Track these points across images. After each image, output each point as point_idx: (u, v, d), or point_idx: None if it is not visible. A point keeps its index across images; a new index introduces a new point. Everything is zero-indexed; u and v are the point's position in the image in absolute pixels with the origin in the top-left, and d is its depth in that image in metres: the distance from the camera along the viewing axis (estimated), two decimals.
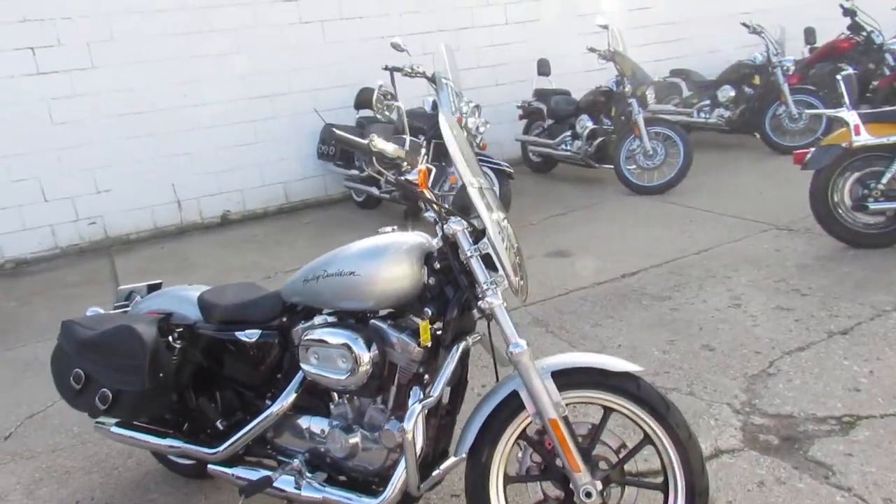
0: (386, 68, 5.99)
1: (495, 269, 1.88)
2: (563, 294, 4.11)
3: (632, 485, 1.94)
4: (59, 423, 3.21)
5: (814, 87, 7.09)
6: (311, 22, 6.87)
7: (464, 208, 1.94)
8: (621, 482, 1.93)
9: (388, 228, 2.14)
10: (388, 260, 1.98)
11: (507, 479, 1.96)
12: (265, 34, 6.70)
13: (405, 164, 1.89)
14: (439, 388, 1.90)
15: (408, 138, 1.88)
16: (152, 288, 2.76)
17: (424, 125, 5.67)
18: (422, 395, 1.94)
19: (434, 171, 5.62)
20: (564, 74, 7.63)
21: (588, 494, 1.81)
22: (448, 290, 1.99)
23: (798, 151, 4.27)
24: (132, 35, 6.20)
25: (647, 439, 1.90)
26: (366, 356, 1.99)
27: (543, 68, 7.36)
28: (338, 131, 1.78)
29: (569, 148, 6.76)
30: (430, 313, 1.99)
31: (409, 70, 5.67)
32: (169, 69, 6.38)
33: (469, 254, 1.88)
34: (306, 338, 2.07)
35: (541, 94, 7.34)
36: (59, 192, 6.21)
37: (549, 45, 7.84)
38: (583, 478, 1.81)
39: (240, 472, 2.25)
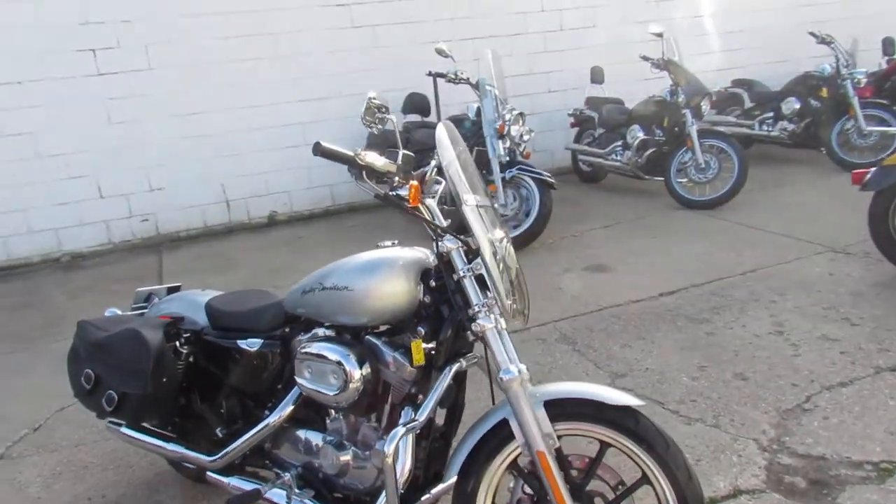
0: (429, 74, 5.96)
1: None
2: (596, 311, 3.98)
3: None
4: (84, 419, 3.27)
5: (889, 101, 6.69)
6: (363, 26, 6.91)
7: (462, 226, 1.87)
8: None
9: (388, 242, 2.09)
10: (383, 276, 1.93)
11: None
12: (317, 38, 6.77)
13: (396, 179, 1.82)
14: (426, 411, 1.83)
15: (401, 152, 1.82)
16: (172, 290, 2.79)
17: (467, 133, 5.61)
18: (412, 416, 1.87)
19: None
20: (618, 83, 7.43)
21: None
22: (444, 309, 1.92)
23: (857, 171, 4.00)
24: (188, 38, 6.37)
25: (644, 478, 1.78)
26: (357, 373, 1.93)
27: (597, 76, 7.19)
28: (323, 143, 1.73)
29: (619, 158, 6.57)
30: (423, 332, 1.93)
31: (453, 76, 5.62)
32: (222, 72, 6.52)
33: (462, 273, 1.80)
34: (302, 350, 2.03)
35: (593, 103, 7.17)
36: (114, 189, 6.43)
37: (603, 52, 7.66)
38: None
39: (235, 481, 2.24)
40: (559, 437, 1.82)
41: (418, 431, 1.86)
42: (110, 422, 2.56)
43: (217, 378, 2.39)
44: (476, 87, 5.47)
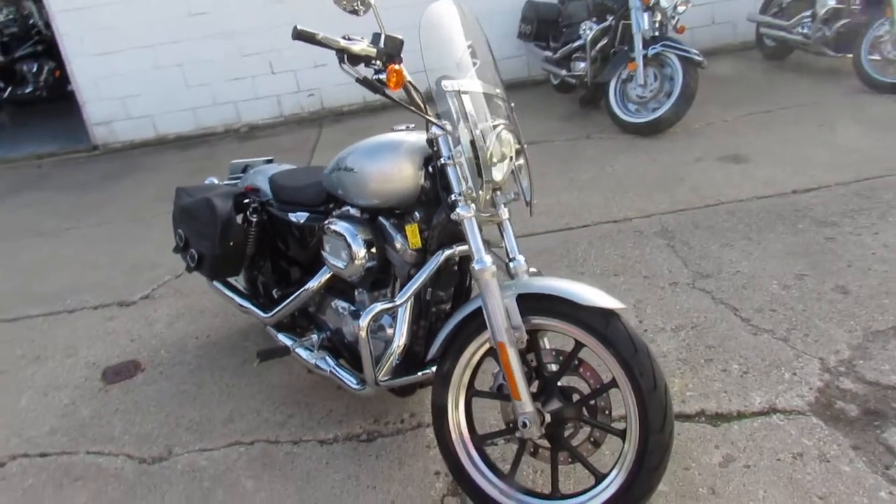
0: None
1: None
2: (713, 205, 3.66)
3: (589, 424, 1.80)
4: None
5: None
6: None
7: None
8: (578, 420, 1.79)
9: (402, 126, 2.11)
10: (386, 160, 1.98)
11: (473, 392, 1.93)
12: None
13: (378, 62, 1.80)
14: (408, 292, 1.90)
15: (383, 34, 1.78)
16: (267, 163, 3.05)
17: (614, 5, 5.18)
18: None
19: (615, 55, 5.19)
20: None
21: (524, 424, 1.72)
22: (443, 195, 1.93)
23: None
24: None
25: (613, 382, 1.73)
26: (361, 252, 2.05)
27: None
28: (300, 27, 1.75)
29: (804, 31, 5.68)
30: (418, 217, 1.98)
31: None
32: None
33: (443, 160, 1.79)
34: (325, 226, 2.18)
35: None
36: (284, 65, 6.90)
37: None
38: (522, 406, 1.72)
39: (282, 336, 2.52)
40: (537, 332, 1.81)
41: (400, 309, 1.95)
42: None
43: (276, 246, 2.64)
44: None
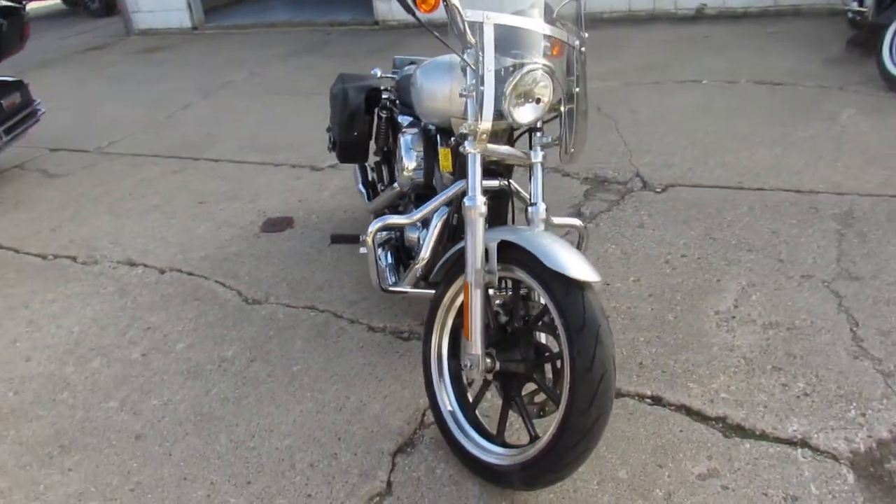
0: None
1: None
2: None
3: (531, 381, 1.76)
4: None
5: None
6: None
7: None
8: (525, 377, 1.76)
9: None
10: (435, 80, 2.03)
11: (458, 322, 1.97)
12: None
13: None
14: (418, 213, 1.98)
15: None
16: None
17: None
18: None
19: None
20: None
21: (467, 364, 1.74)
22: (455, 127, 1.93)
23: None
24: None
25: (559, 354, 1.65)
26: (411, 164, 2.18)
27: None
28: None
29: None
30: (454, 142, 1.99)
31: None
32: None
33: (461, 92, 1.77)
34: (399, 133, 2.30)
35: None
36: None
37: None
38: (469, 347, 1.74)
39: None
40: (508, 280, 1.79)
41: (429, 226, 2.04)
42: None
43: (389, 143, 2.82)
44: None
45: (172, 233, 3.48)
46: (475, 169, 1.77)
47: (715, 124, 4.01)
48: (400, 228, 2.40)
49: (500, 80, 1.74)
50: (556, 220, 2.03)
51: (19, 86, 4.34)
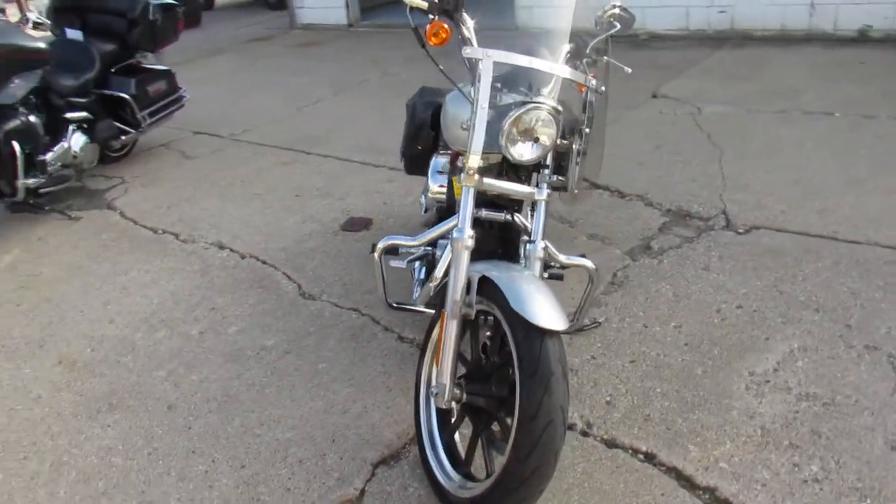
0: None
1: None
2: None
3: (495, 419, 1.75)
4: None
5: None
6: None
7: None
8: (488, 413, 1.75)
9: None
10: (455, 107, 2.07)
11: None
12: None
13: (430, 16, 1.80)
14: (423, 238, 2.04)
15: None
16: None
17: None
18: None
19: None
20: None
21: (434, 392, 1.77)
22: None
23: None
24: None
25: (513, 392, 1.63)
26: (434, 187, 2.27)
27: None
28: None
29: None
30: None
31: None
32: None
33: (462, 125, 1.80)
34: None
35: None
36: None
37: None
38: (438, 375, 1.76)
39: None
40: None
41: (445, 249, 2.08)
42: None
43: None
44: None
45: (264, 222, 3.77)
46: (467, 201, 1.79)
47: (830, 163, 3.66)
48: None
49: (502, 115, 1.76)
50: (564, 258, 1.99)
51: (166, 74, 4.87)
